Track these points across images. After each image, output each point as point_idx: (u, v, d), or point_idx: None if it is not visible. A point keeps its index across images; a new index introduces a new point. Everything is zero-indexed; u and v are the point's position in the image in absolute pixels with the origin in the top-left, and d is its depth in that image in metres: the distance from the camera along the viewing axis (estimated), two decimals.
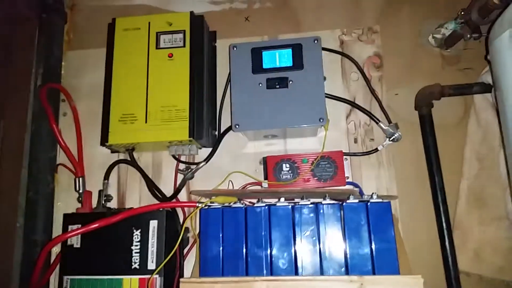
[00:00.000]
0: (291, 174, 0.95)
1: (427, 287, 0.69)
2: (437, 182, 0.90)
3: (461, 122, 0.99)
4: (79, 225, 0.89)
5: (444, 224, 0.87)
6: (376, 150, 0.96)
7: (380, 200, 0.80)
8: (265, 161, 0.97)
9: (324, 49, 1.00)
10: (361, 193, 0.91)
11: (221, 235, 0.81)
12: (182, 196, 1.00)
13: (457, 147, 0.97)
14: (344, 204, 0.80)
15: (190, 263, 0.94)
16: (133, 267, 0.85)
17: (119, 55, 0.99)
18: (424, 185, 0.94)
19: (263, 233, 0.80)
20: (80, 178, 0.99)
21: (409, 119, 0.99)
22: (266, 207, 0.81)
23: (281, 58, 0.92)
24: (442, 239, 0.87)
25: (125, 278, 0.85)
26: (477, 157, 0.92)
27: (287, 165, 0.95)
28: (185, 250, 0.95)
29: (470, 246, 0.88)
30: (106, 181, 1.00)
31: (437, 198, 0.89)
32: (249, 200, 0.92)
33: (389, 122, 0.96)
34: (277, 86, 0.90)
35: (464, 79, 1.00)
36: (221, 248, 0.81)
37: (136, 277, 0.85)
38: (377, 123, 0.97)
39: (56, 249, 0.97)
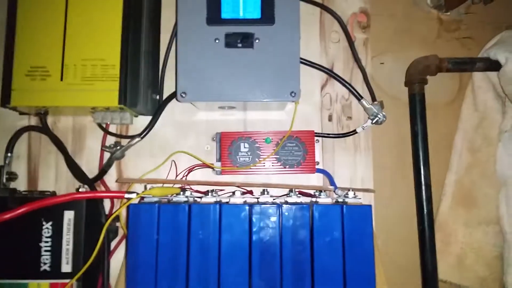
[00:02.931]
0: (250, 157, 0.77)
1: None
2: (423, 177, 0.76)
3: (454, 102, 0.84)
4: None
5: (426, 226, 0.74)
6: (355, 132, 0.80)
7: (359, 202, 0.66)
8: (219, 138, 0.78)
9: None
10: (334, 186, 0.75)
11: (156, 238, 0.64)
12: (111, 177, 0.80)
13: (446, 132, 0.83)
14: (314, 205, 0.64)
15: (118, 260, 0.77)
16: (42, 269, 0.69)
17: None
18: (405, 176, 0.80)
19: (210, 239, 0.63)
20: None
21: (395, 95, 0.83)
22: (217, 205, 0.64)
23: (247, 7, 0.70)
24: (422, 242, 0.75)
25: (32, 282, 0.69)
26: (469, 147, 0.79)
27: (246, 145, 0.78)
28: (113, 244, 0.77)
29: (452, 250, 0.76)
30: (9, 154, 0.77)
31: (421, 196, 0.76)
32: (196, 188, 0.74)
33: (373, 99, 0.79)
34: (239, 45, 0.69)
35: (462, 50, 0.85)
36: (155, 255, 0.63)
37: (46, 282, 0.69)
38: (359, 100, 0.79)
39: None
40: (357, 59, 0.81)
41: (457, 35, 0.86)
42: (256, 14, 0.70)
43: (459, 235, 0.77)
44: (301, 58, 0.78)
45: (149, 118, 0.80)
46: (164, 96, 0.82)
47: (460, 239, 0.76)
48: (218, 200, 0.68)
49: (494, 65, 0.75)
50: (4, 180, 0.77)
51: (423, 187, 0.76)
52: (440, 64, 0.76)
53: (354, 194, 0.68)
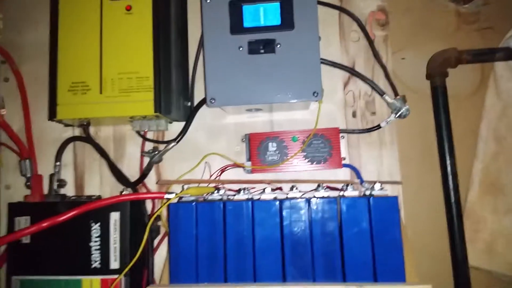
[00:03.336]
0: (279, 155, 0.81)
1: (432, 281, 0.60)
2: (449, 166, 0.77)
3: (477, 93, 0.85)
4: (28, 217, 0.76)
5: (454, 215, 0.76)
6: (379, 126, 0.82)
7: (385, 194, 0.68)
8: (248, 139, 0.82)
9: (319, 3, 0.82)
10: (360, 180, 0.78)
11: (195, 234, 0.69)
12: (151, 180, 0.85)
13: (470, 122, 0.83)
14: (341, 198, 0.67)
15: (161, 256, 0.82)
16: (93, 266, 0.74)
17: (66, 7, 0.80)
18: (432, 168, 0.82)
19: (244, 233, 0.68)
20: (27, 161, 0.83)
21: (418, 89, 0.84)
22: (249, 201, 0.68)
23: (267, 15, 0.74)
24: (451, 232, 0.76)
25: (85, 278, 0.74)
26: (495, 135, 0.79)
27: (274, 144, 0.81)
28: (155, 242, 0.82)
29: (482, 237, 0.77)
30: (57, 163, 0.84)
31: (447, 185, 0.77)
32: (229, 186, 0.79)
33: (396, 94, 0.81)
34: (262, 51, 0.73)
35: (482, 42, 0.85)
36: (195, 250, 0.68)
37: (97, 278, 0.74)
38: (381, 95, 0.81)
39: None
40: (377, 57, 0.83)
41: (476, 26, 0.86)
42: (276, 21, 0.73)
43: (488, 222, 0.78)
44: (322, 59, 0.81)
45: (183, 124, 0.84)
46: (195, 103, 0.86)
47: (489, 226, 0.77)
48: (250, 197, 0.71)
49: None
50: (55, 187, 0.83)
51: (450, 177, 0.77)
52: (460, 56, 0.77)
53: (381, 186, 0.70)
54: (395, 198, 0.66)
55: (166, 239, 0.83)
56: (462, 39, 0.85)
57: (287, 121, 0.85)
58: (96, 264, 0.73)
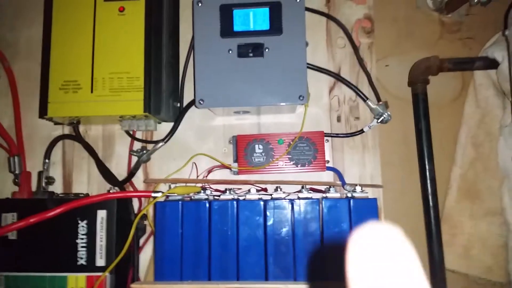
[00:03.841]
0: (265, 157, 0.83)
1: None
2: (428, 171, 0.79)
3: (457, 100, 0.87)
4: (15, 214, 0.76)
5: (432, 219, 0.78)
6: (362, 131, 0.84)
7: (365, 196, 0.70)
8: (235, 141, 0.84)
9: (307, 9, 0.85)
10: (342, 182, 0.80)
11: (180, 232, 0.70)
12: (139, 179, 0.87)
13: (450, 128, 0.86)
14: (323, 199, 0.69)
15: (147, 255, 0.83)
16: (79, 263, 0.74)
17: (59, 7, 0.81)
18: (412, 172, 0.84)
19: (229, 232, 0.69)
20: (16, 157, 0.83)
21: (400, 95, 0.87)
22: (234, 201, 0.70)
23: (256, 20, 0.76)
24: (429, 234, 0.79)
25: (70, 275, 0.74)
26: (473, 142, 0.82)
27: (260, 147, 0.83)
28: (141, 241, 0.83)
29: (459, 242, 0.80)
30: (46, 160, 0.85)
31: (426, 190, 0.79)
32: (215, 187, 0.80)
33: (378, 100, 0.84)
34: (250, 55, 0.75)
35: (463, 50, 0.88)
36: (180, 247, 0.70)
37: (83, 275, 0.74)
38: (364, 101, 0.84)
39: None
40: (361, 63, 0.86)
41: (459, 36, 0.89)
42: (265, 26, 0.75)
43: (465, 226, 0.80)
44: (309, 64, 0.83)
45: (171, 124, 0.86)
46: (184, 104, 0.87)
47: (467, 230, 0.80)
48: (235, 197, 0.73)
49: (492, 64, 0.78)
50: (43, 184, 0.84)
51: (429, 181, 0.79)
52: (441, 64, 0.80)
53: (362, 189, 0.72)
54: (375, 200, 0.68)
55: (151, 239, 0.84)
56: (445, 48, 0.87)
57: (274, 124, 0.87)
58: (82, 261, 0.74)
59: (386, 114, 0.82)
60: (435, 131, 0.83)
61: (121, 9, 0.80)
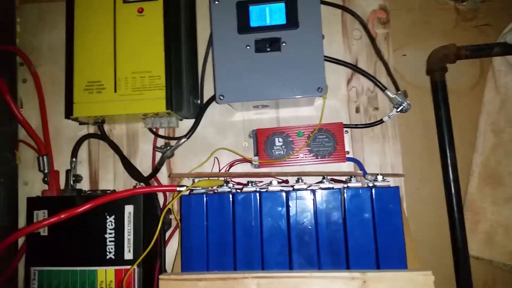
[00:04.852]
0: (285, 150, 0.84)
1: (435, 272, 0.61)
2: (449, 158, 0.79)
3: (476, 87, 0.87)
4: (45, 211, 0.79)
5: (455, 205, 0.78)
6: (381, 121, 0.85)
7: (387, 184, 0.71)
8: (255, 134, 0.85)
9: (323, 2, 0.85)
10: (363, 172, 0.81)
11: (205, 224, 0.72)
12: (163, 174, 0.89)
13: (470, 116, 0.86)
14: (345, 189, 0.70)
15: (172, 249, 0.85)
16: (108, 257, 0.76)
17: (81, 11, 0.83)
18: (433, 161, 0.84)
19: (253, 223, 0.71)
20: (44, 157, 0.87)
21: (419, 84, 0.87)
22: (256, 193, 0.71)
23: (273, 15, 0.77)
24: (452, 221, 0.79)
25: (100, 269, 0.76)
26: (493, 129, 0.82)
27: (280, 140, 0.84)
28: (167, 235, 0.86)
29: (482, 228, 0.80)
30: (74, 159, 0.88)
31: (448, 177, 0.80)
32: (237, 180, 0.82)
33: (397, 89, 0.84)
34: (268, 49, 0.76)
35: (480, 38, 0.88)
36: (205, 239, 0.71)
37: (111, 268, 0.76)
38: (383, 91, 0.84)
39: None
40: (378, 54, 0.86)
41: (475, 23, 0.88)
42: (281, 20, 0.76)
43: (487, 213, 0.80)
44: (326, 56, 0.84)
45: (192, 121, 0.87)
46: (205, 100, 0.89)
47: (489, 216, 0.80)
48: (257, 189, 0.74)
49: (511, 49, 0.78)
50: (71, 182, 0.87)
51: (450, 169, 0.80)
52: (458, 52, 0.80)
53: (383, 178, 0.73)
54: (397, 188, 0.69)
55: (177, 232, 0.86)
56: (461, 36, 0.87)
57: (293, 117, 0.88)
58: (111, 255, 0.76)
59: (405, 103, 0.82)
60: (454, 119, 0.83)
61: (140, 10, 0.82)
